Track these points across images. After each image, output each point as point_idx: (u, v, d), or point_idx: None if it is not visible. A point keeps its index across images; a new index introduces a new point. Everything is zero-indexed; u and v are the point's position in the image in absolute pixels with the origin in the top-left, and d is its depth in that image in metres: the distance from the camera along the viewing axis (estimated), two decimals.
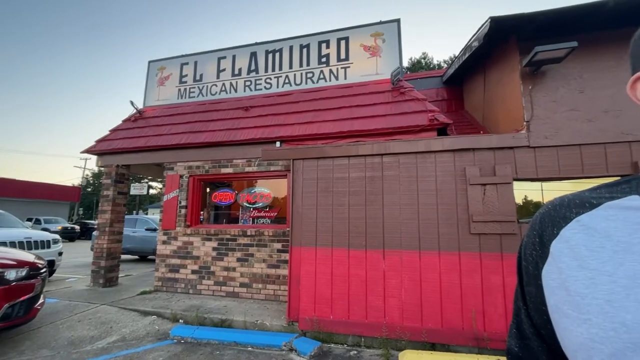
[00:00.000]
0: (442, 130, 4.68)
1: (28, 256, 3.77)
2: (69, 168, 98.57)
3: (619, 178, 0.50)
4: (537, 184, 3.67)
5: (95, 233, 10.72)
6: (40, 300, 3.72)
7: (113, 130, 6.60)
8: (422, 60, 30.56)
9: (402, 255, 3.60)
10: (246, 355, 3.36)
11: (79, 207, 33.14)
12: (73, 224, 21.86)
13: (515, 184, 3.51)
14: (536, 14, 3.14)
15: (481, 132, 4.93)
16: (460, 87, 6.60)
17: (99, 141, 6.44)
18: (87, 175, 44.68)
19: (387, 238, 3.68)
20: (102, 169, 6.26)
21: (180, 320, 4.25)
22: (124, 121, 6.78)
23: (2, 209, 7.54)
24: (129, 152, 6.09)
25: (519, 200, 3.67)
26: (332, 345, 3.58)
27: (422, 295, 3.45)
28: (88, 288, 5.75)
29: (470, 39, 4.19)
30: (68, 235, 18.43)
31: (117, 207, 6.12)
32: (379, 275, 3.62)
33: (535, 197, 3.80)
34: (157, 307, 4.59)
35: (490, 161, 3.51)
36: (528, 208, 3.77)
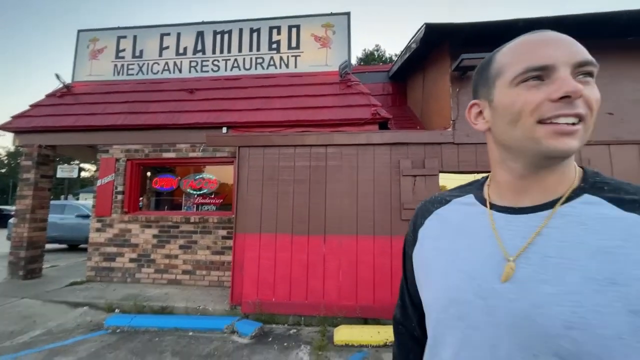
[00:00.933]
0: (384, 124, 5.00)
1: None
2: None
3: (471, 180, 0.69)
4: (470, 175, 4.17)
5: (12, 220, 9.56)
6: None
7: (34, 106, 5.88)
8: (375, 52, 31.50)
9: (341, 240, 3.86)
10: (187, 340, 3.39)
11: None
12: None
13: (449, 175, 3.96)
14: (464, 24, 3.52)
15: (418, 127, 5.37)
16: (405, 83, 7.02)
17: (16, 117, 5.70)
18: None
19: (328, 224, 3.91)
20: (22, 149, 5.57)
21: (117, 310, 4.09)
22: (48, 96, 6.06)
23: None
24: (54, 132, 5.49)
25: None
26: (274, 325, 3.76)
27: (357, 276, 3.77)
28: (4, 281, 5.18)
29: (410, 41, 4.51)
30: None
31: (40, 191, 5.53)
32: (320, 259, 3.85)
33: None
34: (90, 298, 4.34)
35: (420, 155, 3.89)
36: None
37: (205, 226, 5.13)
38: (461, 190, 0.65)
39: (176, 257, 5.13)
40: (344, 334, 3.34)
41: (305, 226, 3.95)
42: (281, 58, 5.97)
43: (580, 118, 0.46)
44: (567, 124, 0.45)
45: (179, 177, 5.60)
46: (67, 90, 6.03)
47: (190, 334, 3.55)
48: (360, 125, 4.85)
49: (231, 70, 6.04)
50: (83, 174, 33.51)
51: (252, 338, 3.43)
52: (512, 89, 0.50)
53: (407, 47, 4.79)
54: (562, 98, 0.45)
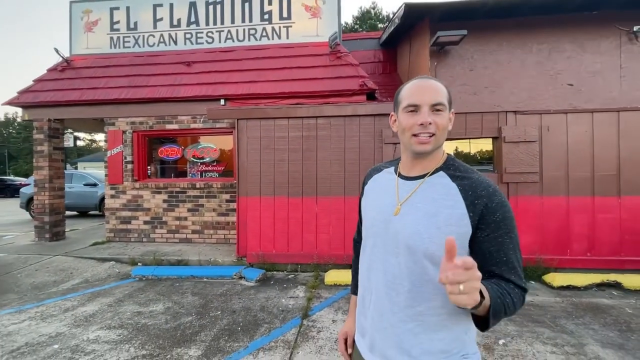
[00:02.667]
0: (371, 94, 5.37)
1: None
2: None
3: (397, 157, 1.19)
4: (446, 142, 4.67)
5: (24, 190, 10.10)
6: None
7: (37, 81, 6.13)
8: (372, 10, 30.31)
9: (331, 200, 4.44)
10: (203, 284, 4.08)
11: None
12: None
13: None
14: (440, 4, 3.80)
15: None
16: (395, 50, 7.22)
17: (22, 92, 5.98)
18: None
19: (319, 187, 4.47)
20: (34, 123, 5.92)
21: (139, 263, 4.76)
22: (49, 70, 6.29)
23: None
24: (61, 106, 5.82)
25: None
26: (275, 272, 4.46)
27: (345, 229, 4.40)
28: (34, 243, 5.82)
29: (394, 15, 4.76)
30: None
31: (54, 162, 5.98)
32: (313, 217, 4.46)
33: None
34: (114, 254, 5.00)
35: None
36: None
37: (210, 191, 5.68)
38: (390, 163, 1.12)
39: (185, 219, 5.75)
40: (333, 276, 4.04)
41: (300, 189, 4.51)
42: (273, 29, 6.16)
43: (432, 134, 0.89)
44: (424, 137, 0.89)
45: (183, 147, 6.06)
46: (67, 64, 6.25)
47: (205, 280, 4.25)
48: (349, 96, 5.24)
49: (225, 42, 6.24)
50: (79, 143, 33.47)
51: (257, 282, 4.13)
52: (403, 114, 0.93)
53: (392, 21, 5.04)
54: (421, 124, 0.89)
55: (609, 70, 4.09)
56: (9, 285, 3.98)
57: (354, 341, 1.08)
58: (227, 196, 5.66)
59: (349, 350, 1.12)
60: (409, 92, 0.92)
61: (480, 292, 0.70)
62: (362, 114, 4.39)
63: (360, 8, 30.46)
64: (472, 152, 4.91)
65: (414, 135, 0.89)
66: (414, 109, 0.88)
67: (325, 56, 5.77)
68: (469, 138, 4.39)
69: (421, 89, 0.89)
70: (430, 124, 0.86)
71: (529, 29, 4.17)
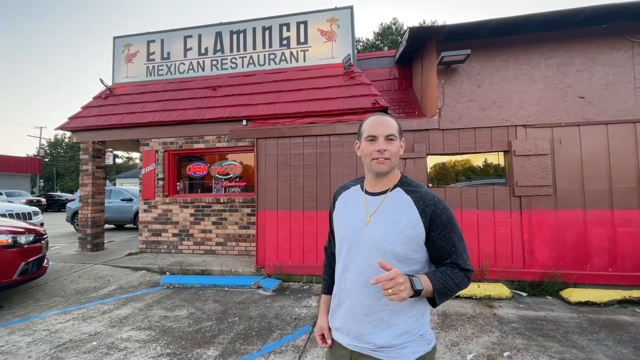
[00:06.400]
0: (383, 111, 5.59)
1: (32, 224, 4.42)
2: (13, 136, 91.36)
3: (362, 175, 1.41)
4: (454, 156, 4.77)
5: (70, 205, 11.06)
6: (46, 260, 4.45)
7: (85, 107, 6.91)
8: (393, 26, 30.75)
9: None
10: (223, 293, 4.37)
11: (39, 179, 31.73)
12: (38, 196, 21.32)
13: (436, 157, 4.59)
14: (442, 27, 4.00)
15: (416, 112, 5.91)
16: (411, 67, 7.41)
17: (71, 118, 6.76)
18: (43, 144, 42.17)
19: None
20: (81, 144, 6.66)
21: (167, 273, 5.15)
22: (95, 98, 7.07)
23: None
24: (104, 129, 6.51)
25: (449, 166, 4.80)
26: (291, 283, 4.67)
27: None
28: (78, 253, 6.44)
29: (402, 38, 5.00)
30: None
31: (97, 180, 6.65)
32: (327, 229, 4.65)
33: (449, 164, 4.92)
34: (146, 264, 5.44)
35: (410, 140, 4.51)
36: (449, 175, 4.91)
37: (233, 205, 6.06)
38: (356, 182, 1.34)
39: (210, 231, 6.14)
40: None
41: (314, 203, 4.75)
42: (291, 53, 6.59)
43: (387, 158, 1.13)
44: (381, 160, 1.13)
45: (209, 164, 6.53)
46: (110, 92, 7.00)
47: (226, 289, 4.54)
48: (362, 114, 5.46)
49: (247, 66, 6.74)
50: (117, 161, 35.97)
51: (273, 291, 4.36)
52: (365, 142, 1.17)
53: (400, 42, 5.28)
54: (378, 150, 1.13)
55: (623, 82, 4.06)
56: (56, 289, 4.47)
57: (330, 334, 1.24)
58: (248, 210, 6.00)
59: (328, 342, 1.30)
60: (368, 126, 1.16)
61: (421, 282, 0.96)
62: None
63: (381, 24, 30.97)
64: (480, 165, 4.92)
65: (374, 159, 1.12)
66: (373, 138, 1.12)
67: (339, 77, 6.08)
68: (479, 152, 4.46)
69: (377, 123, 1.14)
70: (385, 150, 1.10)
71: (535, 45, 4.24)
